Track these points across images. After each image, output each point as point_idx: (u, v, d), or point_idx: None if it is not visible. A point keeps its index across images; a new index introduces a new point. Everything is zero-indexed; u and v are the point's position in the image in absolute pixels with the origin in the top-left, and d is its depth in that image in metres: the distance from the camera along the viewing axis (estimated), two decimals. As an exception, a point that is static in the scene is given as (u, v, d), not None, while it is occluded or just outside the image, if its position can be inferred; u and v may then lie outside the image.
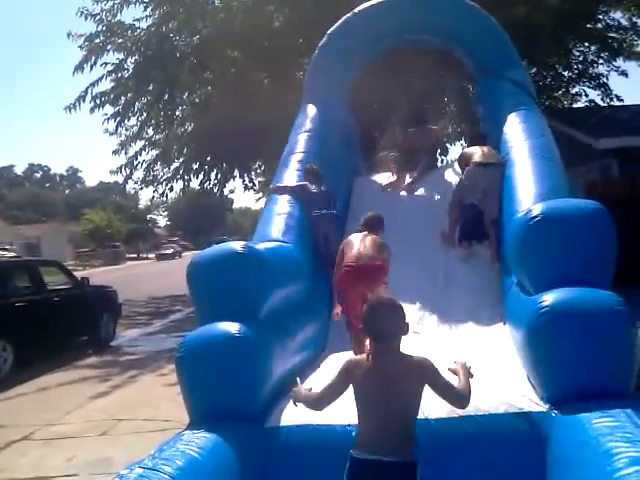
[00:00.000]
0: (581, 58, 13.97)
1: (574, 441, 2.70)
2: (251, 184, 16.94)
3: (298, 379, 2.79)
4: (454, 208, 5.73)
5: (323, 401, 2.58)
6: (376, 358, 2.46)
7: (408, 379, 2.42)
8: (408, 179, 6.52)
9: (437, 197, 6.32)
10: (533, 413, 3.04)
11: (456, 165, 6.48)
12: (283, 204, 5.46)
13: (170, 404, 5.64)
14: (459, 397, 2.47)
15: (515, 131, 5.68)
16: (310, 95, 7.05)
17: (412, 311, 4.89)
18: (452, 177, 6.58)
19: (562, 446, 2.79)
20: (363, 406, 2.46)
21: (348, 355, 3.41)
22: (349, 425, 2.90)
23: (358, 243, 4.63)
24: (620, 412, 2.70)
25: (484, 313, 4.64)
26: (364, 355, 2.54)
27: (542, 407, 3.07)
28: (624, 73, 13.72)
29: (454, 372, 2.60)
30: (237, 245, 3.81)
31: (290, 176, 5.94)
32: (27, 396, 7.25)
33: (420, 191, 6.47)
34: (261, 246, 4.21)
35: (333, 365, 3.94)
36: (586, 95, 14.30)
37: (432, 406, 3.08)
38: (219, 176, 15.92)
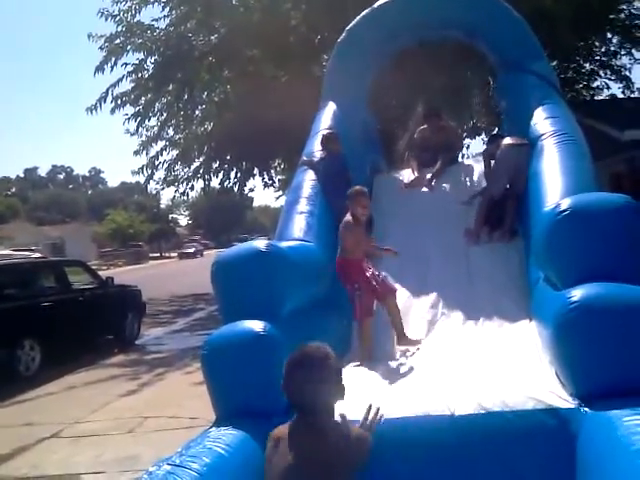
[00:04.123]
0: (603, 50, 13.74)
1: (604, 439, 2.65)
2: (271, 182, 17.03)
3: None
4: (484, 205, 5.63)
5: None
6: (294, 438, 1.74)
7: (337, 470, 1.71)
8: (428, 176, 6.48)
9: (458, 192, 6.27)
10: (562, 409, 2.99)
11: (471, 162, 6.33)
12: (303, 202, 5.44)
13: (196, 401, 5.69)
14: None
15: (542, 125, 5.57)
16: (330, 92, 7.01)
17: (436, 308, 4.87)
18: (473, 172, 6.53)
19: (592, 443, 2.74)
20: None
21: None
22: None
23: None
24: (652, 410, 2.64)
25: (509, 309, 4.59)
26: (285, 427, 1.82)
27: (571, 404, 3.01)
28: (647, 65, 13.52)
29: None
30: (261, 244, 3.81)
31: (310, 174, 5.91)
32: (55, 394, 7.38)
33: (441, 187, 6.42)
34: (284, 245, 4.21)
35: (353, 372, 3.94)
36: (608, 88, 14.10)
37: (458, 402, 3.06)
38: (239, 175, 16.00)
